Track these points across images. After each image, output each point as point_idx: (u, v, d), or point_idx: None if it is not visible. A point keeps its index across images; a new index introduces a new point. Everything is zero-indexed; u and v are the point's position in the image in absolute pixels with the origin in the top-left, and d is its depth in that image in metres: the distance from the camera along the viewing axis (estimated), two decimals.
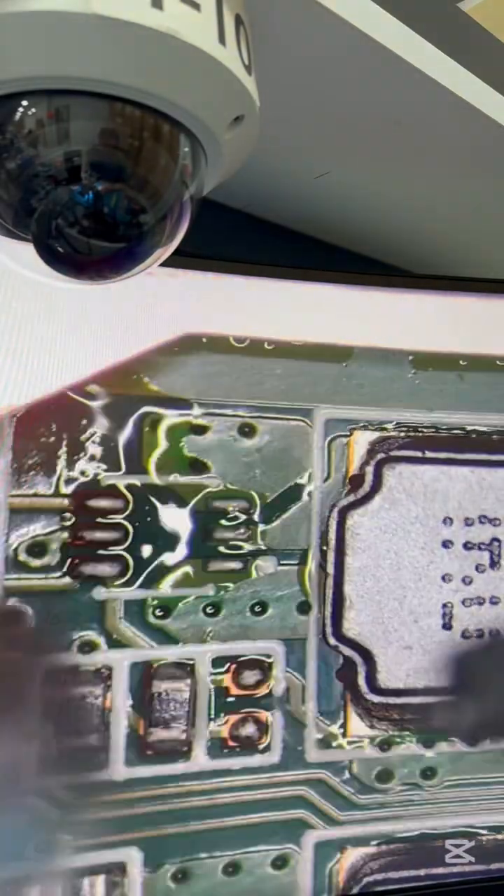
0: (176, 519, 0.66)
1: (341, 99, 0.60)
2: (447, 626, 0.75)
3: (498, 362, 0.77)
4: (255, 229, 0.85)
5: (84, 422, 0.64)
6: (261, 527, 0.69)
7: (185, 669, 0.66)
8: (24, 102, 0.36)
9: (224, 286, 0.69)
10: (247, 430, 0.69)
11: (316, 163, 0.73)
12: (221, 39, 0.36)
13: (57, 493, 0.62)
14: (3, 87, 0.35)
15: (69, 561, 0.62)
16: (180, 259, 0.59)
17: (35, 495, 0.62)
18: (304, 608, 0.70)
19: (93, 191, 0.38)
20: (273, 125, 0.50)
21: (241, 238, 0.83)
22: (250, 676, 0.68)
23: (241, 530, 0.68)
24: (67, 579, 0.62)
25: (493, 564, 0.76)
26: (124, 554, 0.64)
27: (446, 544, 0.75)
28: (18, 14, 0.31)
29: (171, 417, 0.66)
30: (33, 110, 0.36)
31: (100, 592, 0.63)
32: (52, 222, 0.39)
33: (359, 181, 0.77)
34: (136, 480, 0.65)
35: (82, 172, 0.37)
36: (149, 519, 0.65)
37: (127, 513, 0.65)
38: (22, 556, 0.61)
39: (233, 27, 0.38)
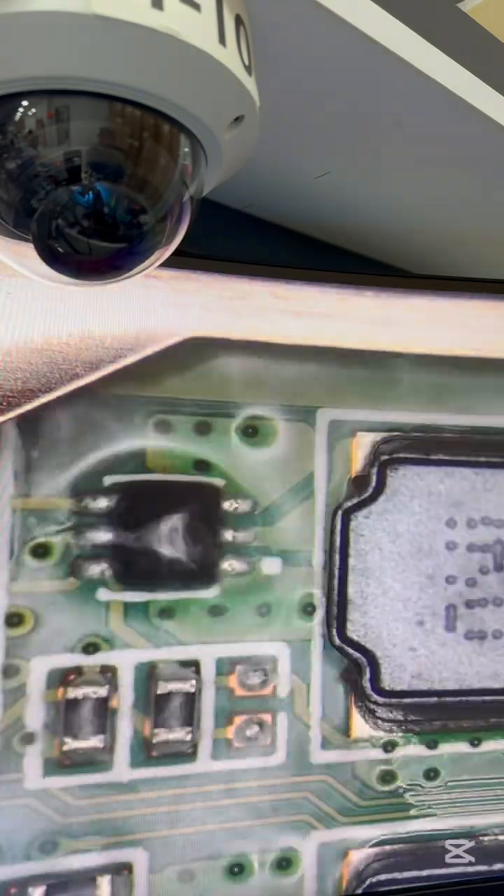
0: (181, 519, 0.66)
1: (341, 99, 0.60)
2: (451, 628, 0.74)
3: None
4: (255, 229, 0.85)
5: (89, 424, 0.64)
6: (265, 528, 0.69)
7: (190, 670, 0.66)
8: (25, 102, 0.36)
9: (226, 287, 0.69)
10: (250, 432, 0.69)
11: (316, 163, 0.73)
12: (221, 39, 0.36)
13: (62, 495, 0.62)
14: (3, 87, 0.35)
15: (73, 562, 0.62)
16: (181, 259, 0.59)
17: (40, 496, 0.62)
18: (308, 610, 0.70)
19: (93, 191, 0.38)
20: (273, 125, 0.50)
21: (241, 238, 0.83)
22: (255, 678, 0.68)
23: (246, 531, 0.68)
24: (72, 580, 0.62)
25: (497, 567, 0.76)
26: (128, 554, 0.64)
27: (450, 546, 0.75)
28: (18, 14, 0.31)
29: (175, 418, 0.66)
30: (33, 110, 0.36)
31: (104, 593, 0.63)
32: (52, 222, 0.39)
33: (359, 181, 0.77)
34: (141, 480, 0.65)
35: (82, 172, 0.37)
36: (153, 519, 0.65)
37: (132, 513, 0.65)
38: (26, 558, 0.61)
39: (233, 27, 0.38)
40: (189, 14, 0.35)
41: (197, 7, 0.35)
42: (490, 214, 0.85)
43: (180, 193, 0.42)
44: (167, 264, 0.49)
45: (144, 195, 0.40)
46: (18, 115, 0.36)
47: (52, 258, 0.41)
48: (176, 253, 0.46)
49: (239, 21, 0.39)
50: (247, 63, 0.39)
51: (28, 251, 0.41)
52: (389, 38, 0.52)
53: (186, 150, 0.41)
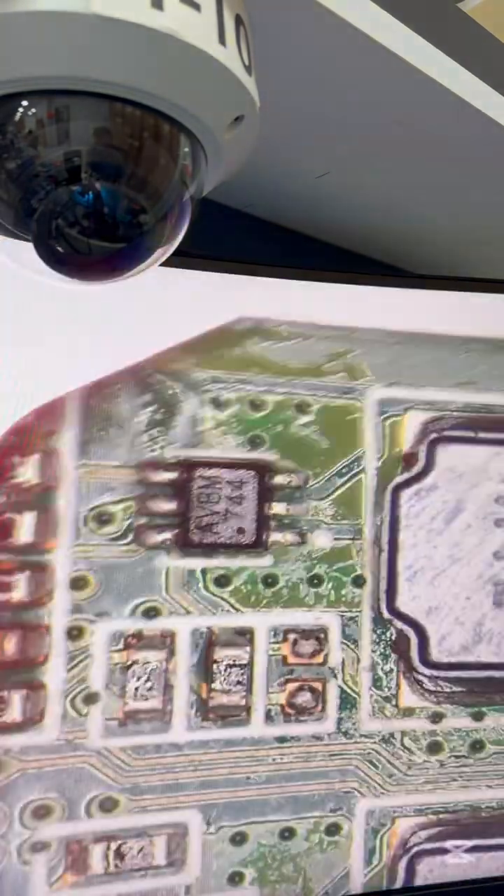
0: (237, 493, 0.68)
1: (341, 99, 0.60)
2: (498, 603, 0.75)
3: None
4: (255, 229, 0.86)
5: (148, 397, 0.66)
6: (317, 502, 0.71)
7: (245, 637, 0.68)
8: (25, 103, 0.36)
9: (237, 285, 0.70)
10: (303, 408, 0.71)
11: (316, 163, 0.73)
12: (221, 40, 0.36)
13: (123, 465, 0.65)
14: (3, 87, 0.35)
15: (134, 529, 0.65)
16: (181, 259, 0.59)
17: (101, 467, 0.65)
18: (358, 581, 0.72)
19: (93, 191, 0.38)
20: (273, 125, 0.50)
21: (241, 238, 0.83)
22: (306, 647, 0.70)
23: (298, 505, 0.70)
24: (133, 546, 0.65)
25: None
26: (186, 524, 0.67)
27: (498, 523, 0.76)
28: (18, 14, 0.31)
29: (231, 394, 0.68)
30: (33, 110, 0.36)
31: (163, 561, 0.66)
32: (52, 222, 0.39)
33: (359, 181, 0.77)
34: (197, 454, 0.68)
35: (82, 173, 0.37)
36: (209, 492, 0.68)
37: (191, 486, 0.67)
38: (91, 524, 0.64)
39: (233, 27, 0.38)
40: (189, 14, 0.35)
41: (197, 7, 0.35)
42: (490, 214, 0.85)
43: (180, 193, 0.42)
44: (167, 264, 0.49)
45: (144, 195, 0.40)
46: (18, 115, 0.36)
47: (53, 258, 0.41)
48: (176, 253, 0.46)
49: (239, 21, 0.39)
50: (247, 63, 0.39)
51: (28, 251, 0.41)
52: (389, 38, 0.52)
53: (186, 150, 0.41)
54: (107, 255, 0.41)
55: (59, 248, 0.40)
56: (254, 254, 0.75)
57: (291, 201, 0.82)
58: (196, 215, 0.44)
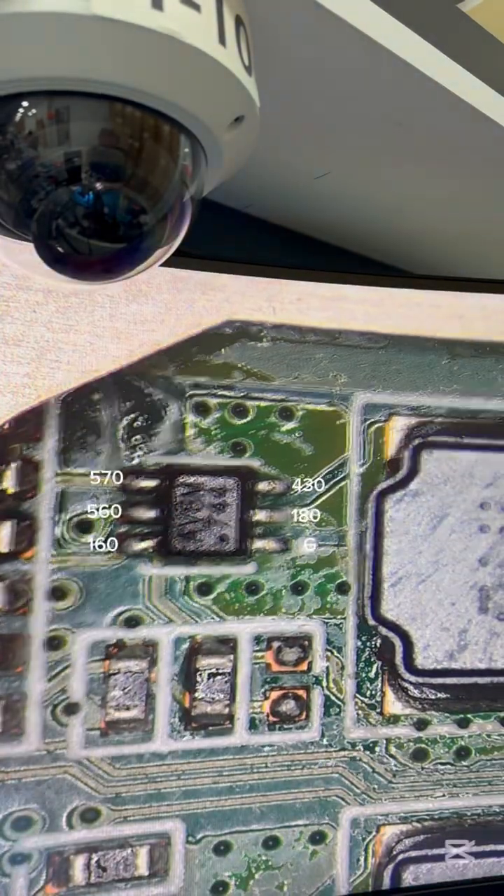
0: (219, 500, 0.68)
1: (341, 99, 0.60)
2: (482, 609, 0.75)
3: None
4: (255, 229, 0.86)
5: (130, 404, 0.65)
6: (300, 509, 0.70)
7: (228, 646, 0.67)
8: (25, 103, 0.36)
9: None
10: (286, 414, 0.70)
11: (316, 163, 0.73)
12: (221, 40, 0.36)
13: (102, 473, 0.64)
14: (3, 87, 0.35)
15: (115, 538, 0.64)
16: (181, 259, 0.59)
17: (81, 475, 0.64)
18: (343, 588, 0.71)
19: (93, 191, 0.38)
20: (273, 125, 0.50)
21: (241, 238, 0.83)
22: (290, 654, 0.69)
23: (281, 511, 0.70)
24: (114, 555, 0.64)
25: None
26: (168, 532, 0.66)
27: (483, 529, 0.75)
28: (18, 15, 0.31)
29: (214, 400, 0.68)
30: (34, 111, 0.36)
31: (144, 569, 0.65)
32: (52, 223, 0.39)
33: (359, 181, 0.77)
34: (179, 461, 0.67)
35: (82, 173, 0.38)
36: (191, 499, 0.67)
37: (172, 492, 0.66)
38: (70, 533, 0.63)
39: (233, 28, 0.38)
40: (189, 15, 0.35)
41: (197, 8, 0.35)
42: (490, 214, 0.85)
43: (180, 194, 0.42)
44: (168, 264, 0.49)
45: (144, 195, 0.40)
46: (19, 115, 0.36)
47: (53, 258, 0.41)
48: (176, 253, 0.46)
49: (239, 21, 0.39)
50: (247, 63, 0.39)
51: (28, 251, 0.41)
52: (389, 38, 0.52)
53: (186, 150, 0.41)
54: (107, 255, 0.41)
55: (60, 248, 0.40)
56: (253, 254, 0.75)
57: (291, 201, 0.82)
58: (196, 215, 0.44)
